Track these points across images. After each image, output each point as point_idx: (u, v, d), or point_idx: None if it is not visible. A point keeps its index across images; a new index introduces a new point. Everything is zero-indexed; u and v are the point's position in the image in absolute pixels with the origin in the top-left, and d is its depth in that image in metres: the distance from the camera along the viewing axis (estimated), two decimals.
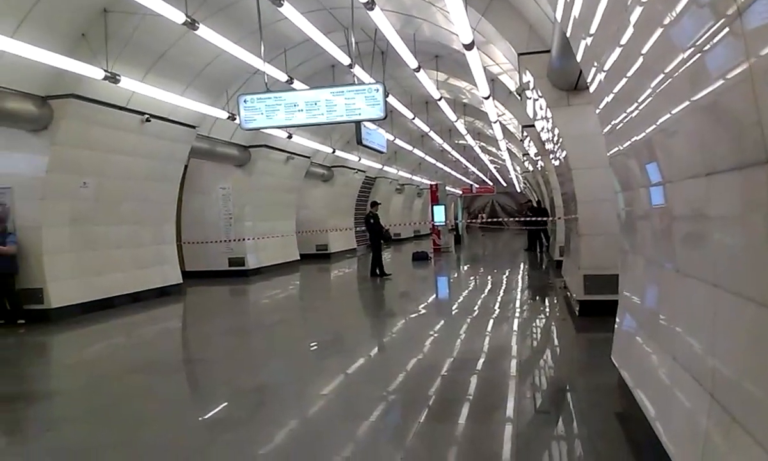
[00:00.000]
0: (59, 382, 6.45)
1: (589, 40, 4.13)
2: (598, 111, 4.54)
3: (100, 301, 10.45)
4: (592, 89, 4.60)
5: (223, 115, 11.91)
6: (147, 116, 10.81)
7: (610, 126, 4.26)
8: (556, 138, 9.62)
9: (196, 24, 7.47)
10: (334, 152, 19.15)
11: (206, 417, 4.86)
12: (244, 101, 8.28)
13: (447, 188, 27.82)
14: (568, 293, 9.35)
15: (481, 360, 6.23)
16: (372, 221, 14.64)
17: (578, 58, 4.72)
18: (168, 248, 12.97)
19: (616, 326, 4.90)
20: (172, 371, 6.69)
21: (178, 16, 7.14)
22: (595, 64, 4.17)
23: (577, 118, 7.89)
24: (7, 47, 6.95)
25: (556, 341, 7.26)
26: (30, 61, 7.36)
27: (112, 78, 8.44)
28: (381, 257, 14.59)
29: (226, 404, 5.14)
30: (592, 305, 7.48)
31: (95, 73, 8.22)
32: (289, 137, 15.17)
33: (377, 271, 14.32)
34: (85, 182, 10.21)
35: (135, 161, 11.32)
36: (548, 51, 7.30)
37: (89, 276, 10.40)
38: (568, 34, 4.89)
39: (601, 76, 4.10)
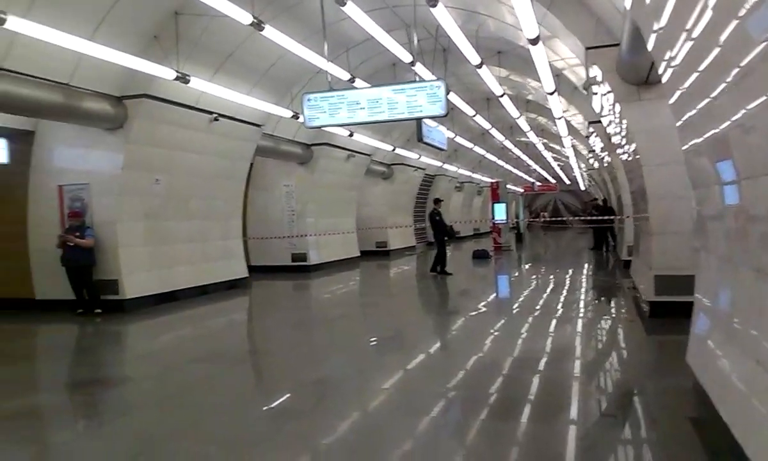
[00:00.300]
0: (132, 369, 6.76)
1: (662, 30, 3.97)
2: (671, 103, 4.36)
3: (171, 293, 10.86)
4: (664, 80, 4.42)
5: (288, 114, 12.14)
6: (215, 115, 11.15)
7: (683, 120, 4.08)
8: (625, 134, 9.31)
9: (262, 24, 7.65)
10: (394, 149, 19.20)
11: (271, 406, 4.99)
12: (308, 100, 8.40)
13: (508, 186, 27.39)
14: (638, 294, 9.03)
15: (544, 360, 6.11)
16: (437, 217, 14.58)
17: (650, 48, 4.55)
18: (234, 243, 13.35)
19: (691, 327, 4.70)
20: (238, 362, 6.88)
21: (245, 17, 7.34)
22: (669, 55, 4.01)
23: (648, 113, 7.60)
24: (88, 50, 7.33)
25: (623, 343, 7.02)
26: (106, 62, 7.72)
27: (183, 78, 8.75)
28: (446, 254, 14.48)
29: (289, 395, 5.25)
30: (664, 306, 7.20)
31: (167, 73, 8.55)
32: (351, 134, 15.33)
33: (438, 268, 14.25)
34: (157, 179, 10.63)
35: (203, 159, 11.71)
36: (617, 44, 7.07)
37: (161, 269, 10.83)
38: (639, 25, 4.73)
39: (675, 67, 3.94)
